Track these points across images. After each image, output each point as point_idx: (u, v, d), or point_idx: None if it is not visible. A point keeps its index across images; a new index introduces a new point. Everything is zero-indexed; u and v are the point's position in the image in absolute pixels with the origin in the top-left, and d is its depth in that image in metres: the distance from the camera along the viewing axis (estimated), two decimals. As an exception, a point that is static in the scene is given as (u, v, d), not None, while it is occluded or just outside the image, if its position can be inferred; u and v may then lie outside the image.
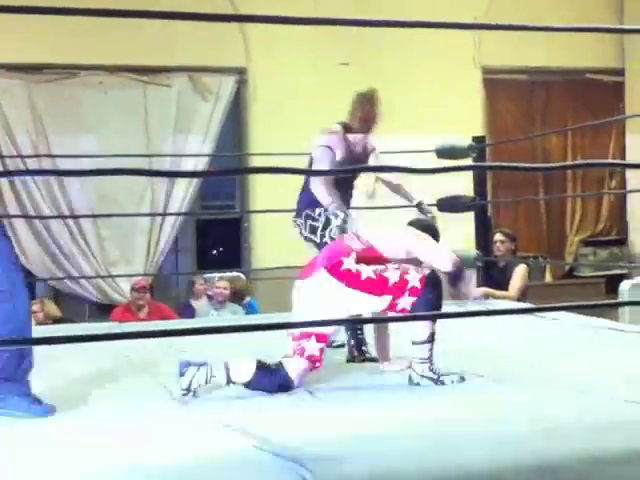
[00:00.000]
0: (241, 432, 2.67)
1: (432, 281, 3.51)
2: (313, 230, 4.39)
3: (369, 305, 3.55)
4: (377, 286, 3.50)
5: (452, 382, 3.48)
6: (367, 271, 3.52)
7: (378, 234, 3.73)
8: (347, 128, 4.41)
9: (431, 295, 3.49)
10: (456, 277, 3.72)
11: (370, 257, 3.57)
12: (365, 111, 4.39)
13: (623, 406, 2.89)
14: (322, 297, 3.50)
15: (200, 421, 2.93)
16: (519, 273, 6.38)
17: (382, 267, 3.54)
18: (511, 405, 3.03)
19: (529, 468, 2.33)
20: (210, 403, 3.21)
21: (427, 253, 3.69)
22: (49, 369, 3.61)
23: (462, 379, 3.50)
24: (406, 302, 3.50)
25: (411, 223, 3.95)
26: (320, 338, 3.48)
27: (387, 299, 3.51)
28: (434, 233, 3.89)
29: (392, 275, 3.53)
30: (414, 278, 3.50)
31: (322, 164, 4.31)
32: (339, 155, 4.34)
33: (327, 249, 3.78)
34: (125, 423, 2.94)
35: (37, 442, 2.73)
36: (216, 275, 7.52)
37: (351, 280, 3.50)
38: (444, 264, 3.66)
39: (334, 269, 3.52)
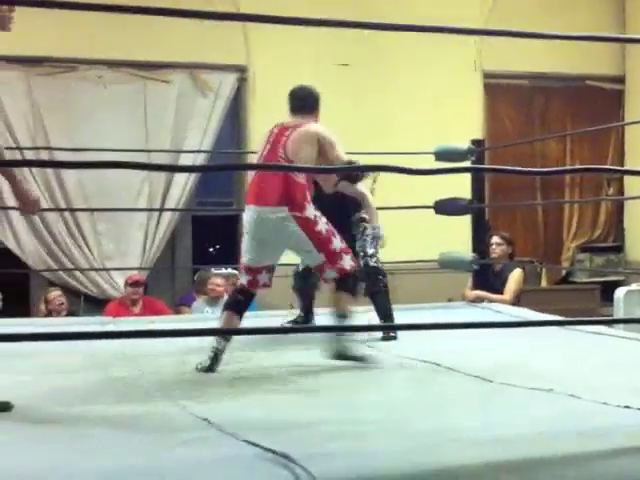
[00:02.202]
0: (229, 430, 2.66)
1: (354, 276, 4.03)
2: None
3: (307, 254, 3.98)
4: (321, 242, 3.93)
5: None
6: (322, 224, 3.95)
7: None
8: None
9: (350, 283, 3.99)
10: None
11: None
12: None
13: (615, 411, 2.89)
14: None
15: (188, 419, 2.89)
16: (514, 277, 6.39)
17: (332, 230, 3.98)
18: (503, 407, 3.03)
19: (518, 471, 2.32)
20: (198, 401, 3.20)
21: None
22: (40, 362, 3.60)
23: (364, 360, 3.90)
24: (330, 275, 3.97)
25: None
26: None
27: (321, 259, 3.96)
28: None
29: (336, 243, 3.97)
30: (348, 261, 3.98)
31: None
32: None
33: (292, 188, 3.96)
34: (111, 417, 2.93)
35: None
36: (225, 271, 7.52)
37: (307, 225, 3.91)
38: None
39: (295, 210, 3.89)
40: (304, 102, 4.27)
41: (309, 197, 4.01)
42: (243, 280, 4.04)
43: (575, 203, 9.39)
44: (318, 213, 4.00)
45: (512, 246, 6.66)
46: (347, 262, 3.99)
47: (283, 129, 4.12)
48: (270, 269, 4.07)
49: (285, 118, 4.30)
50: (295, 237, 3.92)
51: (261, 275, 4.01)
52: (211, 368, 3.78)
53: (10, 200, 7.64)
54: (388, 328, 4.81)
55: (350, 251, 4.11)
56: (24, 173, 7.62)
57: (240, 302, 4.03)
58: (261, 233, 3.96)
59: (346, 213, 4.84)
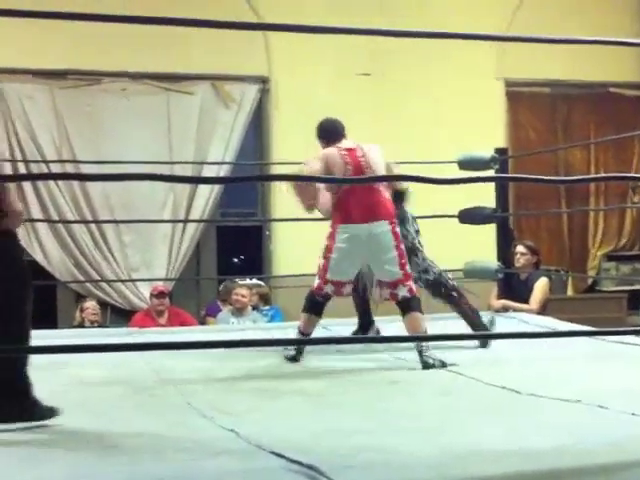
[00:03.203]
0: (255, 441, 2.66)
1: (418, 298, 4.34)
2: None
3: (388, 266, 4.26)
4: (402, 259, 4.29)
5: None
6: (402, 244, 4.33)
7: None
8: None
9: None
10: None
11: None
12: None
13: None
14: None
15: (215, 431, 2.90)
16: (540, 286, 6.34)
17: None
18: (531, 418, 3.01)
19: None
20: (225, 413, 3.20)
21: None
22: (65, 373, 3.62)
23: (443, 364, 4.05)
24: (401, 292, 4.26)
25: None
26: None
27: (398, 274, 4.27)
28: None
29: (408, 266, 4.35)
30: (413, 284, 4.35)
31: None
32: None
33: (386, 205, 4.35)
34: (138, 428, 2.94)
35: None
36: (250, 281, 7.54)
37: (397, 240, 4.29)
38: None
39: (392, 225, 4.28)
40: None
41: None
42: (328, 289, 4.35)
43: (600, 211, 9.31)
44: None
45: (537, 255, 6.61)
46: (413, 284, 4.37)
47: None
48: (352, 281, 4.43)
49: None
50: (386, 250, 4.27)
51: (345, 288, 4.40)
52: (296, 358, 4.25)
53: (37, 212, 7.75)
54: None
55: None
56: (50, 185, 7.73)
57: (320, 305, 4.40)
58: (359, 249, 4.29)
59: None
